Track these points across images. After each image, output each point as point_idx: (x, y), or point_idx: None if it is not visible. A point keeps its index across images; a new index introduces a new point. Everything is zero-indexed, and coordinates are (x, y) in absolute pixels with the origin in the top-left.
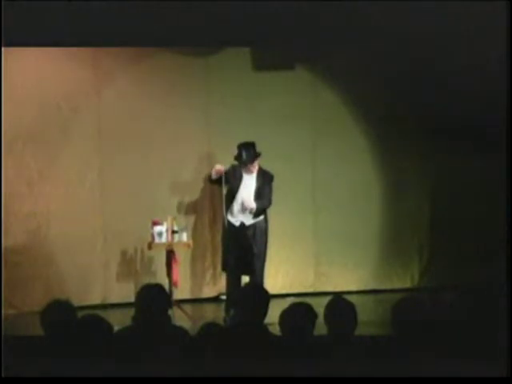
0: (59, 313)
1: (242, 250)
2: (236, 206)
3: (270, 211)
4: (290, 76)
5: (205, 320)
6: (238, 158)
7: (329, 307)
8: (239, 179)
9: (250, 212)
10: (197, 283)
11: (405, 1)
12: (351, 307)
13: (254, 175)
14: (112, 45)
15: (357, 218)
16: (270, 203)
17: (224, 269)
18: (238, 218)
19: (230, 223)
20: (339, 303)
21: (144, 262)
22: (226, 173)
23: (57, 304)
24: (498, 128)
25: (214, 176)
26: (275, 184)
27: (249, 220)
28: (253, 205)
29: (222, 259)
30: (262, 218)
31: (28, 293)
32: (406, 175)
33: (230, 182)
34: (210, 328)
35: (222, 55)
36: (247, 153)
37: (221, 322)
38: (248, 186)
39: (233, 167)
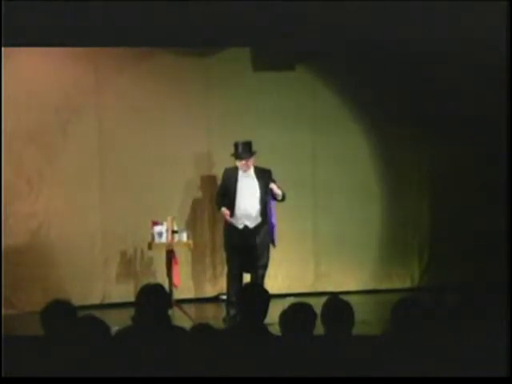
0: (59, 313)
1: (245, 252)
2: (238, 210)
3: None
4: (290, 76)
5: (205, 320)
6: (234, 153)
7: (325, 307)
8: (235, 181)
9: (277, 199)
10: (197, 283)
11: (405, 1)
12: (347, 306)
13: (251, 174)
14: (112, 45)
15: (357, 218)
16: (284, 194)
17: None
18: (241, 221)
19: (232, 226)
20: (335, 303)
21: (144, 262)
22: (223, 175)
23: (57, 304)
24: (498, 129)
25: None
26: None
27: (252, 223)
28: (279, 191)
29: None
30: (265, 219)
31: (28, 293)
32: (405, 175)
33: (227, 184)
34: (208, 328)
35: (222, 55)
36: (244, 149)
37: (221, 321)
38: (246, 186)
39: (228, 170)
